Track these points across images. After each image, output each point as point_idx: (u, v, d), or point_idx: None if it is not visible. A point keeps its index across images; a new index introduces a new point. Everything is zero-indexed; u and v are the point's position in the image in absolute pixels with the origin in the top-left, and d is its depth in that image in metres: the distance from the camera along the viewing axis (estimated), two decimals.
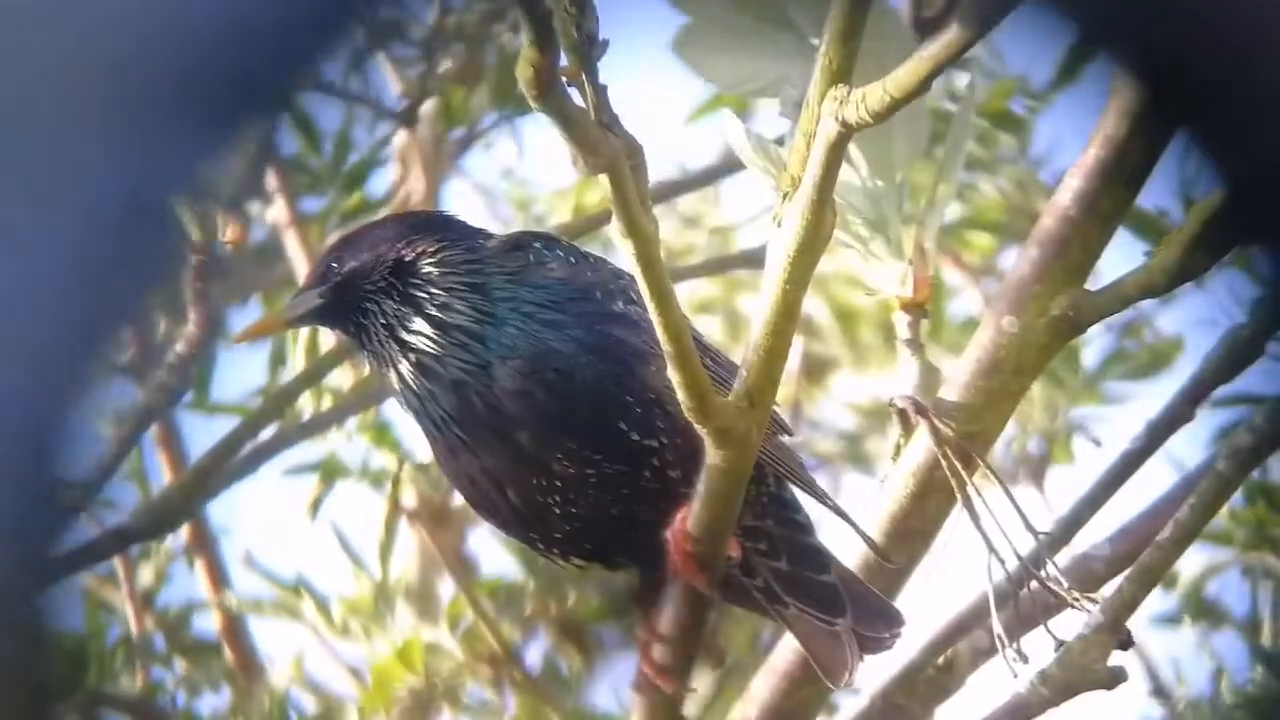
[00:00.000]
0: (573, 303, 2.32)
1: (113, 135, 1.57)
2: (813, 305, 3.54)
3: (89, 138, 1.57)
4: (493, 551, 3.27)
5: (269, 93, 1.64)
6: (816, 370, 3.59)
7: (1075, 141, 2.44)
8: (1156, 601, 3.14)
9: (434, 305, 2.33)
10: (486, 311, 2.32)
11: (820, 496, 2.37)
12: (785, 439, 2.42)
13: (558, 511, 2.31)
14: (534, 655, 3.26)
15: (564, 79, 2.03)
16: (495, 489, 2.31)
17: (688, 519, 2.26)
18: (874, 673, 2.74)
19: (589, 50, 2.03)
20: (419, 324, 2.33)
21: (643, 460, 2.29)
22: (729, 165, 3.31)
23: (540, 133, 2.10)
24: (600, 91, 2.06)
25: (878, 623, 2.37)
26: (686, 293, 3.52)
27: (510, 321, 2.31)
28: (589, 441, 2.29)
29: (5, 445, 1.59)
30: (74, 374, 1.59)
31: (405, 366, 2.32)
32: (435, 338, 2.32)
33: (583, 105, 2.05)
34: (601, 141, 2.06)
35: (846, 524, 2.37)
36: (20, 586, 1.61)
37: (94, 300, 1.60)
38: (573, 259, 2.36)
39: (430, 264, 2.35)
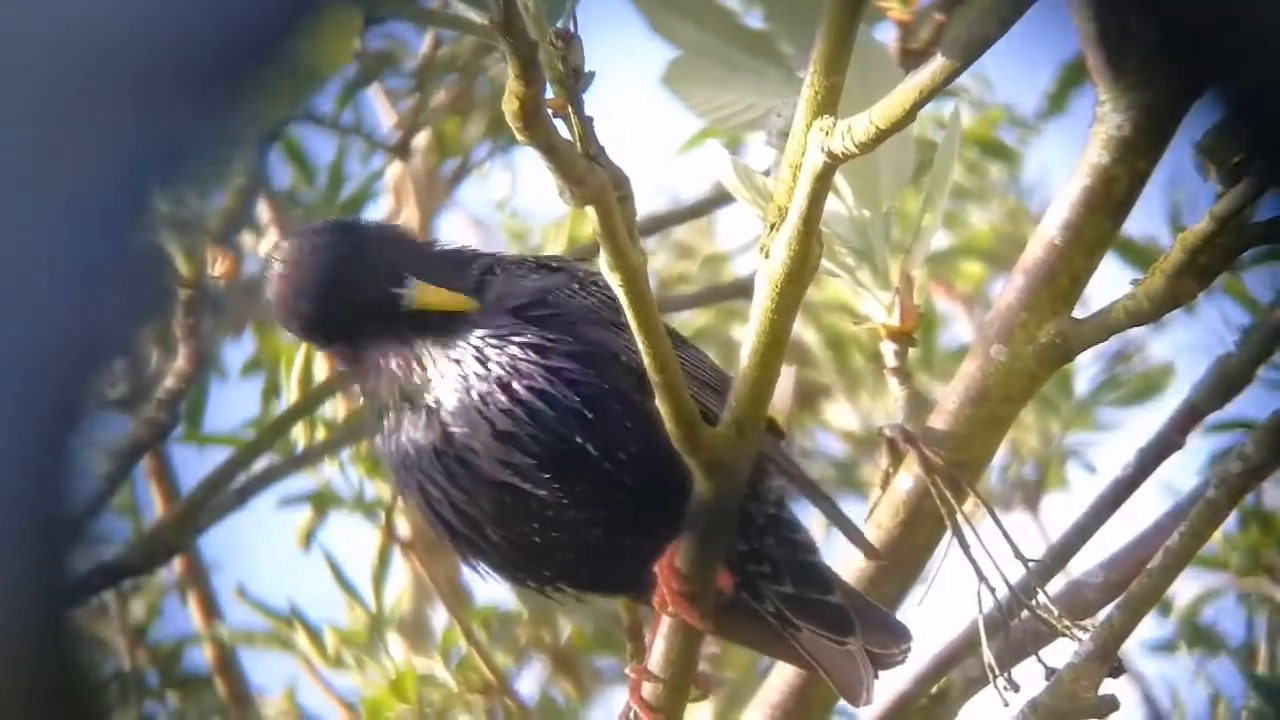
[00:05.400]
0: (520, 332, 2.30)
1: (112, 125, 1.54)
2: (805, 333, 3.54)
3: (88, 130, 1.54)
4: (487, 581, 3.26)
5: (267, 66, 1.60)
6: (809, 398, 3.59)
7: (1065, 171, 2.45)
8: (1152, 628, 3.15)
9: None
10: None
11: (826, 505, 2.36)
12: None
13: (538, 540, 2.30)
14: (529, 686, 3.26)
15: (550, 111, 2.04)
16: (472, 527, 2.31)
17: (676, 554, 2.25)
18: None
19: (574, 82, 2.03)
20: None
21: (609, 478, 2.28)
22: (723, 196, 3.31)
23: (535, 164, 2.10)
24: (586, 123, 2.06)
25: (886, 638, 2.36)
26: (681, 322, 3.52)
27: (464, 363, 2.29)
28: (546, 459, 2.27)
29: (9, 473, 1.57)
30: (71, 400, 1.57)
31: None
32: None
33: (569, 137, 2.05)
34: (587, 173, 2.06)
35: (843, 528, 2.36)
36: (45, 614, 1.60)
37: (92, 322, 1.58)
38: (521, 273, 2.33)
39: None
